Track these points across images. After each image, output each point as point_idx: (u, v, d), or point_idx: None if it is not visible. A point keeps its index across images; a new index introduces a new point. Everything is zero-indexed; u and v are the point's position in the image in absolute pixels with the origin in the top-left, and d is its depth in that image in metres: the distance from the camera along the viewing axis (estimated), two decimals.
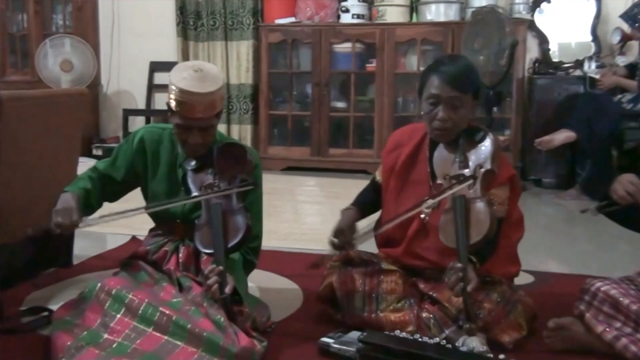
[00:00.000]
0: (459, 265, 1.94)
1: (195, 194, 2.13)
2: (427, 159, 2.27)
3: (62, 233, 2.10)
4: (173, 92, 2.08)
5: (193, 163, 2.20)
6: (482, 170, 2.10)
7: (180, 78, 2.07)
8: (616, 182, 2.06)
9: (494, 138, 2.18)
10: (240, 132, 6.09)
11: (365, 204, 2.40)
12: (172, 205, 2.18)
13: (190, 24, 6.12)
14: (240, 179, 2.13)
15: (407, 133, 2.37)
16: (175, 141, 2.24)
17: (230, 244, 2.05)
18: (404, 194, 2.28)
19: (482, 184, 2.09)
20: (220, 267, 1.98)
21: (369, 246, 2.35)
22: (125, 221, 2.18)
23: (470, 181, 2.08)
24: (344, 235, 2.21)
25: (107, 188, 2.31)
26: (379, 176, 2.39)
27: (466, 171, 2.12)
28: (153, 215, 2.32)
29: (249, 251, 2.27)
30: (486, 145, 2.16)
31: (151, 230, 2.37)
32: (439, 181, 2.18)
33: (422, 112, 2.22)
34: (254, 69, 5.98)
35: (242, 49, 6.00)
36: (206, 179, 2.16)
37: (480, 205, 2.05)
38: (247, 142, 5.93)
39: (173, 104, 2.09)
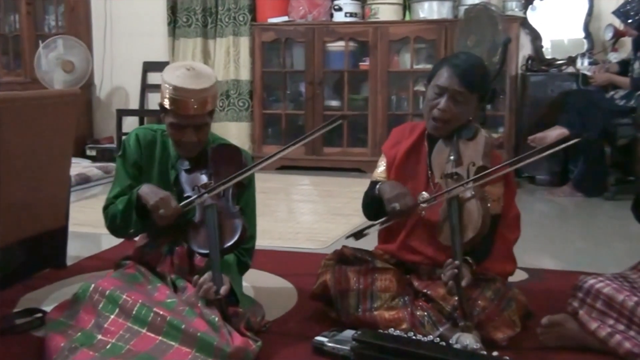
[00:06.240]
0: (455, 262, 1.96)
1: (188, 194, 2.13)
2: (427, 155, 2.28)
3: (167, 222, 2.08)
4: (167, 90, 2.09)
5: (186, 163, 2.20)
6: (474, 167, 2.12)
7: (174, 76, 2.09)
8: None
9: (486, 134, 2.19)
10: (239, 130, 6.02)
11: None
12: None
13: (181, 22, 6.07)
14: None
15: (408, 129, 2.39)
16: (167, 142, 2.24)
17: (226, 245, 2.06)
18: None
19: (477, 181, 2.10)
20: (211, 284, 1.98)
21: (365, 244, 2.35)
22: None
23: (465, 181, 2.09)
24: (404, 198, 2.10)
25: None
26: (380, 175, 2.35)
27: (459, 169, 2.13)
28: None
29: (244, 252, 2.27)
30: (478, 142, 2.17)
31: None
32: (436, 180, 2.19)
33: (425, 100, 2.25)
34: (250, 66, 5.93)
35: (232, 46, 5.95)
36: (200, 179, 2.16)
37: (472, 203, 2.06)
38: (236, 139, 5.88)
39: (167, 102, 2.10)
